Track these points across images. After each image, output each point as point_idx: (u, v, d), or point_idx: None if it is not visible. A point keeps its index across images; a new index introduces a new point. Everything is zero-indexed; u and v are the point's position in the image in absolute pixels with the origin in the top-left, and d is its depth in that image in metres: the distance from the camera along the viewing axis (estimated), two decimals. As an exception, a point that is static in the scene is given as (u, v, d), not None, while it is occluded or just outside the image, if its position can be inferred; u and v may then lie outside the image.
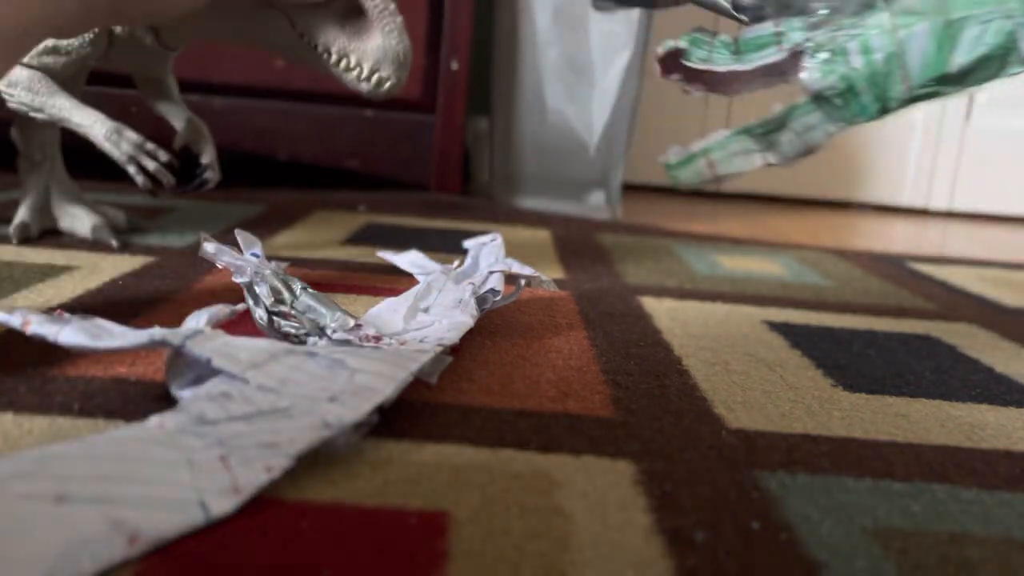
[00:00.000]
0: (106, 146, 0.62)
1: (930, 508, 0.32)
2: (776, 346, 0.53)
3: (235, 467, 0.28)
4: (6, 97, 0.62)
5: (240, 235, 0.46)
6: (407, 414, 0.37)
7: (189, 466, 0.28)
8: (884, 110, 0.45)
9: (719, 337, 0.54)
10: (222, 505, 0.27)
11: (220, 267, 0.43)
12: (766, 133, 0.48)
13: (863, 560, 0.28)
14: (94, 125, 0.62)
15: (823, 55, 0.44)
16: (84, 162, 1.18)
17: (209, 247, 0.43)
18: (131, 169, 0.62)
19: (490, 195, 1.25)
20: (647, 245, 0.89)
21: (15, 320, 0.33)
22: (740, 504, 0.31)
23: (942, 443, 0.39)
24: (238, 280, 0.43)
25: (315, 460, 0.31)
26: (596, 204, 1.21)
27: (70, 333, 0.33)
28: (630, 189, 1.58)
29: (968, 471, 0.36)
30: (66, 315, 0.34)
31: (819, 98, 0.45)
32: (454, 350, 0.46)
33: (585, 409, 0.39)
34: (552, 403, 0.40)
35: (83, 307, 0.49)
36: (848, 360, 0.51)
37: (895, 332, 0.59)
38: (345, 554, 0.26)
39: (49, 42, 0.60)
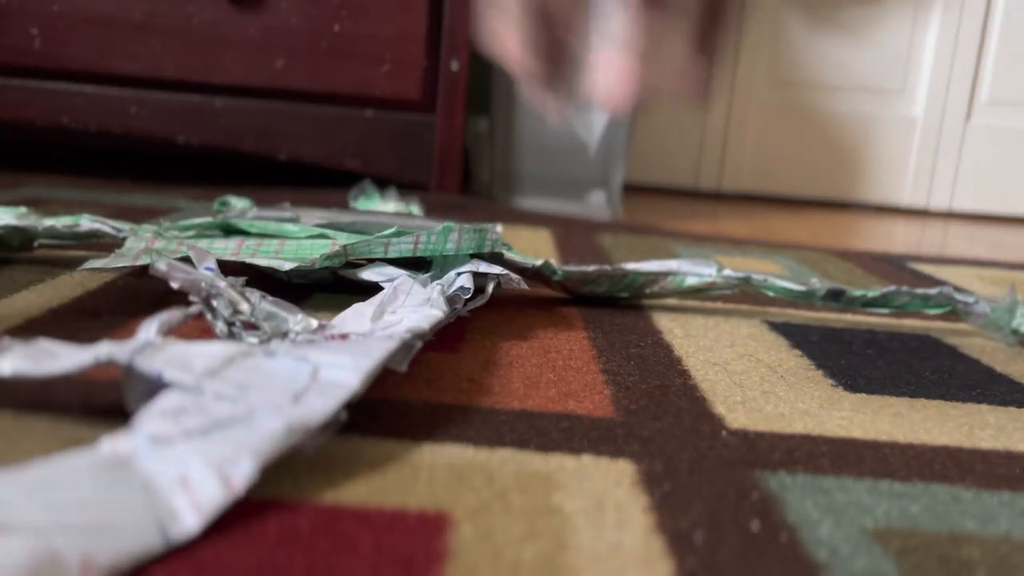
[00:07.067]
0: None
1: (930, 508, 0.32)
2: (776, 346, 0.53)
3: (194, 486, 0.27)
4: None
5: (192, 250, 0.45)
6: (407, 414, 0.37)
7: (144, 489, 0.26)
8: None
9: (719, 337, 0.54)
10: (182, 527, 0.26)
11: (175, 286, 0.42)
12: None
13: (863, 560, 0.28)
14: None
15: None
16: (83, 162, 1.18)
17: (161, 265, 0.41)
18: None
19: (490, 195, 1.25)
20: (647, 245, 0.89)
21: None
22: (740, 504, 0.31)
23: (942, 443, 0.39)
24: (193, 298, 0.41)
25: (315, 460, 0.31)
26: (596, 204, 1.21)
27: (10, 362, 0.31)
28: (630, 189, 1.58)
29: (968, 471, 0.36)
30: (5, 341, 0.32)
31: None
32: (453, 350, 0.46)
33: (585, 409, 0.39)
34: (552, 403, 0.40)
35: (83, 307, 0.49)
36: (848, 360, 0.51)
37: (895, 332, 0.59)
38: (345, 554, 0.26)
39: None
